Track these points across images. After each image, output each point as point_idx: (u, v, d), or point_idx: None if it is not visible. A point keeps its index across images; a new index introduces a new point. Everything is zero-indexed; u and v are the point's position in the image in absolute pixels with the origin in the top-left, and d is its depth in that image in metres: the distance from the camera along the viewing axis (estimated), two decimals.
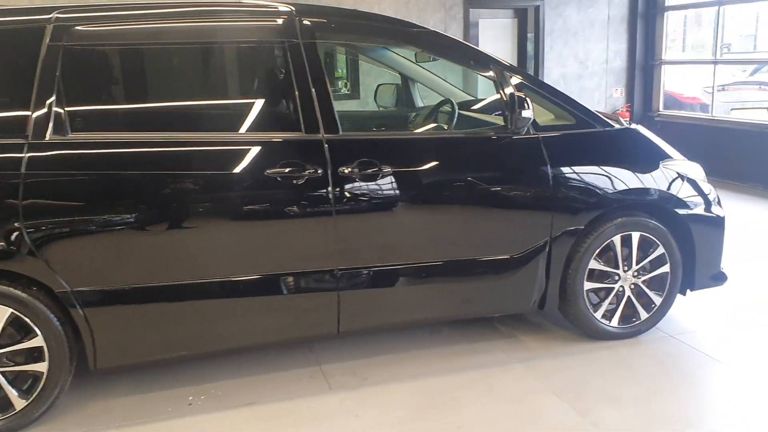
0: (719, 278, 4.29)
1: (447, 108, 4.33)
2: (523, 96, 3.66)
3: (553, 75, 9.70)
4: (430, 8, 8.96)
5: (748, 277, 5.19)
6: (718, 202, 4.26)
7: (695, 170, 4.21)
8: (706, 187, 4.21)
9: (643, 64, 9.94)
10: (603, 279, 4.04)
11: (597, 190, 3.88)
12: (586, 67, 9.84)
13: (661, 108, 10.00)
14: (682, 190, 4.06)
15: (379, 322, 3.79)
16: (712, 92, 9.11)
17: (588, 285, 4.00)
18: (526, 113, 3.60)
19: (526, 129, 3.75)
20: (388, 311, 3.75)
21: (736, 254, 5.72)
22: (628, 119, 4.35)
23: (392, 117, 5.29)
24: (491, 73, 3.85)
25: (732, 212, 7.07)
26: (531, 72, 9.74)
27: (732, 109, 10.63)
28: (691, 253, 4.13)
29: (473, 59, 3.97)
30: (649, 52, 9.90)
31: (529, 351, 4.03)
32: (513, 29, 9.64)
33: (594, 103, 9.92)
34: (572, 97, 4.12)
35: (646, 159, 4.07)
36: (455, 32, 9.13)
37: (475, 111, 4.65)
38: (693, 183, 4.13)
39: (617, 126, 4.11)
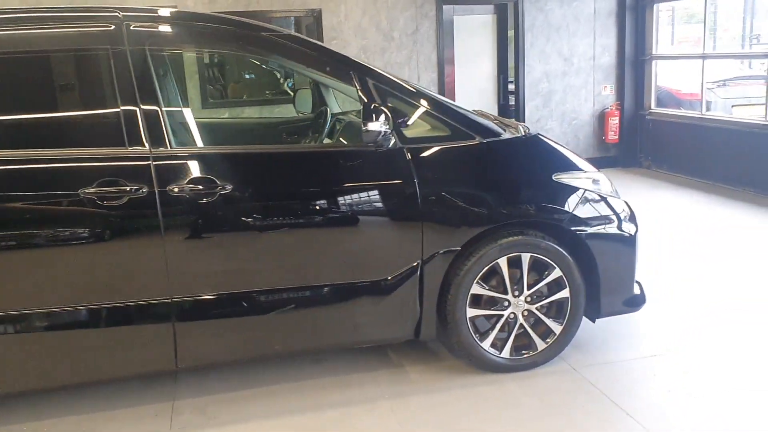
0: (633, 303, 3.83)
1: (321, 119, 3.96)
2: (377, 106, 3.27)
3: (535, 73, 9.20)
4: (399, 6, 8.56)
5: (703, 295, 4.69)
6: (630, 219, 3.80)
7: (601, 184, 3.75)
8: (615, 203, 3.75)
9: (633, 59, 9.36)
10: (490, 305, 3.62)
11: (474, 208, 3.47)
12: (571, 63, 9.31)
13: (653, 105, 9.40)
14: (580, 206, 3.61)
15: (227, 355, 3.44)
16: (701, 88, 8.49)
17: (472, 312, 3.59)
18: (373, 126, 3.20)
19: (390, 142, 3.36)
20: (236, 343, 3.40)
21: (697, 266, 5.23)
22: (527, 128, 3.90)
23: (273, 127, 4.92)
24: (354, 81, 3.45)
25: (711, 219, 6.58)
26: (512, 71, 9.28)
27: (733, 106, 9.96)
28: (595, 276, 3.68)
29: (330, 65, 3.55)
30: (639, 46, 9.31)
31: (406, 385, 3.63)
32: (492, 26, 9.17)
33: (581, 102, 9.40)
34: (456, 104, 3.72)
35: (537, 172, 3.64)
36: (427, 31, 8.72)
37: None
38: (595, 198, 3.67)
39: (508, 136, 3.68)
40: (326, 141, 4.31)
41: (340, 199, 3.36)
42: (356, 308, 3.45)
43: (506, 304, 3.62)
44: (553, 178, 3.59)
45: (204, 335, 3.32)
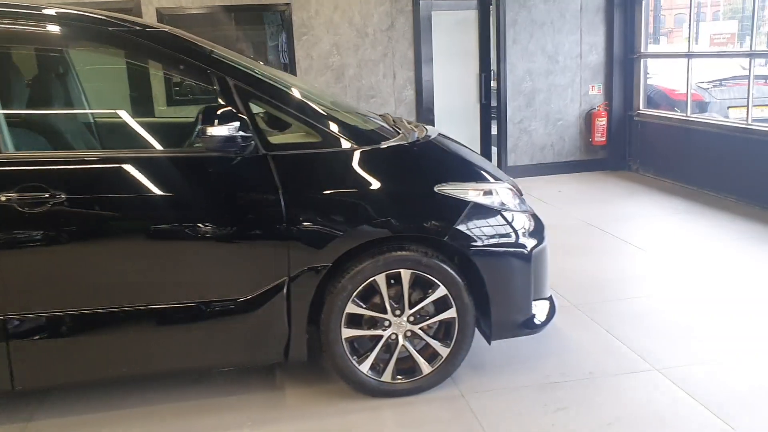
0: (530, 325, 3.53)
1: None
2: (227, 110, 3.03)
3: (517, 71, 8.85)
4: (373, 0, 8.29)
5: (626, 318, 4.36)
6: (532, 234, 3.51)
7: (497, 196, 3.45)
8: (512, 217, 3.45)
9: (621, 57, 8.94)
10: (369, 325, 3.36)
11: (345, 222, 3.21)
12: (556, 62, 8.93)
13: (641, 106, 8.97)
14: (465, 221, 3.31)
15: (70, 377, 3.21)
16: (687, 88, 8.05)
17: (348, 332, 3.33)
18: (214, 131, 2.96)
19: (249, 148, 3.12)
20: (79, 365, 3.17)
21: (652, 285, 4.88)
22: (424, 133, 3.62)
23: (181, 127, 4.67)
24: (213, 81, 3.21)
25: (679, 235, 6.14)
26: (494, 69, 8.94)
27: (729, 108, 9.47)
28: (484, 295, 3.40)
29: (184, 63, 3.26)
30: (628, 44, 8.89)
31: (280, 410, 3.39)
32: (474, 23, 8.83)
33: (567, 102, 9.02)
34: (329, 110, 3.45)
35: (417, 183, 3.35)
36: (403, 27, 8.43)
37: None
38: (485, 212, 3.38)
39: (390, 143, 3.41)
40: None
41: (192, 210, 3.12)
42: (214, 329, 3.21)
43: (386, 324, 3.36)
44: (436, 189, 3.31)
45: (41, 355, 3.11)
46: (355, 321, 3.35)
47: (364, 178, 3.25)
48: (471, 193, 3.36)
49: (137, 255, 3.09)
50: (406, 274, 3.31)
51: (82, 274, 3.05)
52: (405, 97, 8.62)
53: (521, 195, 3.65)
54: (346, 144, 3.28)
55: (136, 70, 7.28)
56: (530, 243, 3.46)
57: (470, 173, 3.48)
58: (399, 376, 3.43)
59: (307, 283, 3.21)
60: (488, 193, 3.42)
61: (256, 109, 3.25)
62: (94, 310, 3.09)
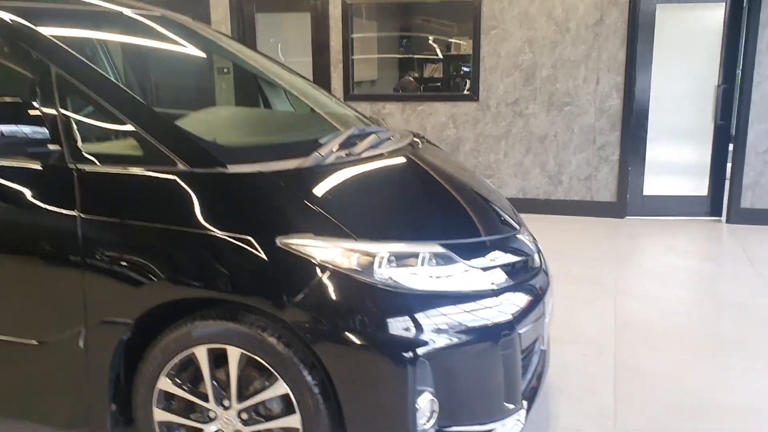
0: None
1: None
2: (14, 102, 2.37)
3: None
4: None
5: None
6: (419, 332, 2.28)
7: (381, 256, 2.29)
8: (389, 298, 2.27)
9: None
10: (189, 412, 2.47)
11: (153, 269, 2.36)
12: None
13: None
14: (315, 292, 2.23)
15: None
16: None
17: (162, 415, 2.49)
18: None
19: (51, 157, 2.43)
20: None
21: None
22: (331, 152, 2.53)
23: None
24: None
25: None
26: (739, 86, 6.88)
27: None
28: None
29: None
30: None
31: None
32: (716, 20, 6.86)
33: None
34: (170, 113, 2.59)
35: (259, 228, 2.32)
36: (614, 23, 6.86)
37: None
38: (347, 283, 2.25)
39: (274, 168, 2.45)
40: None
41: None
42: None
43: (211, 415, 2.43)
44: (278, 242, 2.27)
45: None
46: (169, 402, 2.48)
47: (185, 215, 2.34)
48: (333, 252, 2.26)
49: None
50: (234, 354, 2.35)
51: None
52: (609, 107, 7.04)
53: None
54: (172, 164, 2.40)
55: None
56: (413, 345, 2.23)
57: (340, 224, 2.34)
58: None
59: (106, 339, 2.44)
60: (365, 254, 2.27)
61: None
62: None
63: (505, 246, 2.76)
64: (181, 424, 2.49)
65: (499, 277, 2.57)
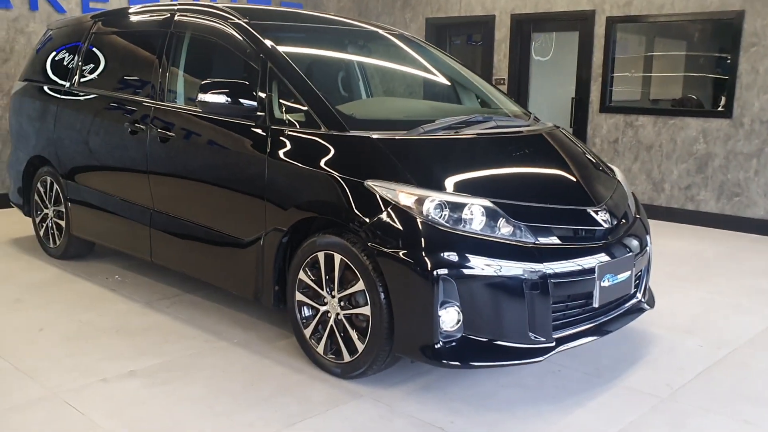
0: (427, 353, 3.22)
1: None
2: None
3: None
4: None
5: None
6: (433, 250, 3.17)
7: (427, 205, 3.24)
8: (426, 231, 3.21)
9: None
10: (313, 297, 3.67)
11: (300, 195, 3.66)
12: None
13: None
14: (382, 220, 3.27)
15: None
16: None
17: (300, 296, 3.74)
18: (204, 96, 3.78)
19: (263, 121, 3.84)
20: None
21: None
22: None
23: None
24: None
25: None
26: None
27: None
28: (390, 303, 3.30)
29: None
30: None
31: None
32: None
33: None
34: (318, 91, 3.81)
35: (356, 172, 3.43)
36: None
37: None
38: (403, 217, 3.24)
39: (353, 134, 3.59)
40: None
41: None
42: (224, 257, 4.14)
43: (325, 300, 3.60)
44: (365, 183, 3.35)
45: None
46: (301, 287, 3.71)
47: (323, 159, 3.55)
48: (400, 194, 3.29)
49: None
50: (337, 259, 3.49)
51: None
52: None
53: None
54: (322, 127, 3.65)
55: None
56: (433, 260, 3.15)
57: (412, 174, 3.35)
58: (330, 354, 3.60)
59: (272, 241, 3.78)
60: (421, 200, 3.24)
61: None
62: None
63: (563, 214, 3.46)
64: (310, 304, 3.69)
65: (546, 236, 3.32)
